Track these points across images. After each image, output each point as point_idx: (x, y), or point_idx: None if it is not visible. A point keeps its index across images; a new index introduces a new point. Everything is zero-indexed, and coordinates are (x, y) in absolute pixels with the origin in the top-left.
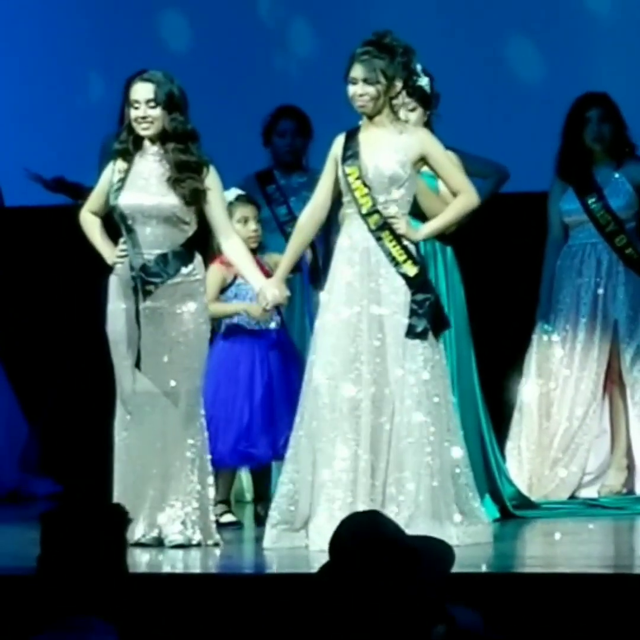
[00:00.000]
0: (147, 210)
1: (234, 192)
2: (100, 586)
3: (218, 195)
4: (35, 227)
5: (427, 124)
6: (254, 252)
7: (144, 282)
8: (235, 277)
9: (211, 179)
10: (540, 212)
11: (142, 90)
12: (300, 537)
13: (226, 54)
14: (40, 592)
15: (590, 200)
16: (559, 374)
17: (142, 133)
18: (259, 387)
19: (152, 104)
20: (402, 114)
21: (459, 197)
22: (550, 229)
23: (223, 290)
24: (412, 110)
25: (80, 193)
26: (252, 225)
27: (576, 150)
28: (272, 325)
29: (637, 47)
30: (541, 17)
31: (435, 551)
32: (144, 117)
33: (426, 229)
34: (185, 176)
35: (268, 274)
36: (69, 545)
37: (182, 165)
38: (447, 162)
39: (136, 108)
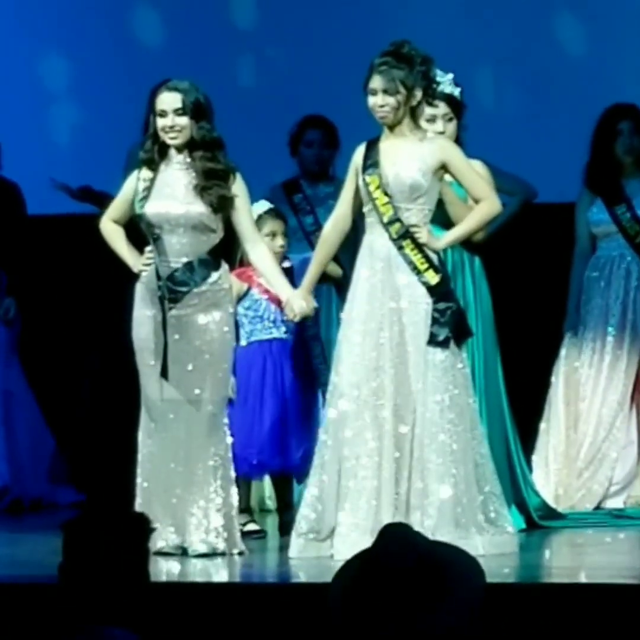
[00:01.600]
0: (174, 218)
1: (263, 205)
2: (123, 595)
3: (245, 202)
4: (60, 236)
5: (456, 135)
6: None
7: (170, 290)
8: (248, 290)
9: (238, 186)
10: (568, 223)
11: (169, 100)
12: (326, 546)
13: (252, 63)
14: (62, 601)
15: (620, 211)
16: (586, 385)
17: (170, 142)
18: (269, 396)
19: (180, 112)
20: (439, 123)
21: (480, 205)
22: (578, 240)
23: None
24: (450, 120)
25: (108, 202)
26: (280, 241)
27: (606, 162)
28: (286, 335)
29: None
30: (570, 29)
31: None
32: (171, 127)
33: (447, 238)
34: (212, 183)
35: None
36: (91, 555)
37: (209, 173)
38: (468, 170)
39: (164, 117)
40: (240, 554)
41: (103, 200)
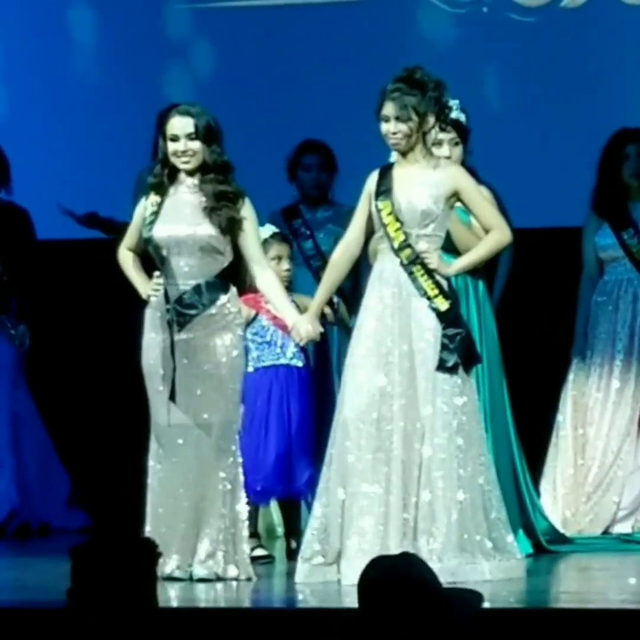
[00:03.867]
0: (182, 240)
1: (268, 230)
2: (130, 620)
3: (253, 225)
4: (69, 261)
5: (462, 159)
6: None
7: (179, 313)
8: (256, 315)
9: (246, 210)
10: (574, 247)
11: (181, 124)
12: (332, 571)
13: (250, 89)
14: (70, 625)
15: (626, 236)
16: (594, 409)
17: (183, 167)
18: (274, 422)
19: (192, 137)
20: (445, 148)
21: (491, 234)
22: (585, 265)
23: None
24: (456, 144)
25: (113, 228)
26: (285, 265)
27: (613, 186)
28: (298, 362)
29: None
30: (578, 54)
31: (465, 597)
32: (184, 151)
33: (458, 265)
34: (222, 205)
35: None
36: (99, 580)
37: (219, 195)
38: (479, 199)
39: (176, 142)
40: (248, 579)
41: (109, 226)
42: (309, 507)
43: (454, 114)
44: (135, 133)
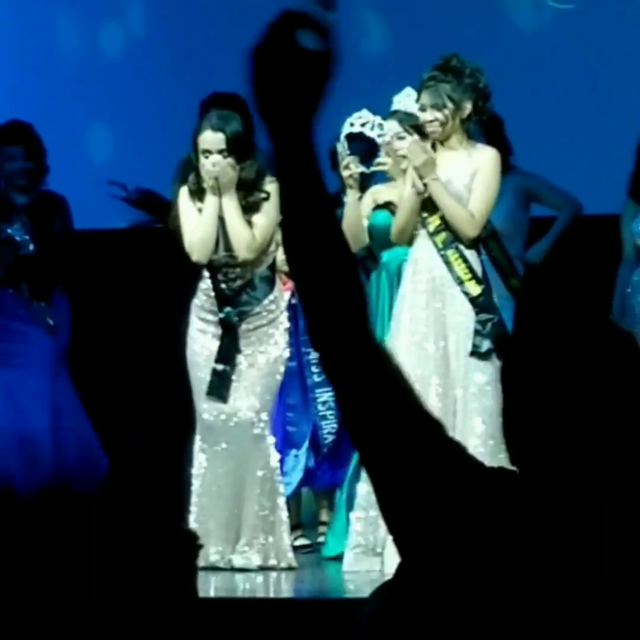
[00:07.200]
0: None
1: None
2: (170, 612)
3: (269, 205)
4: (111, 250)
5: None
6: None
7: (238, 314)
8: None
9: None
10: (613, 235)
11: (214, 140)
12: (377, 560)
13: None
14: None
15: None
16: None
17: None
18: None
19: (224, 155)
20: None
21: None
22: (624, 251)
23: None
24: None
25: (161, 208)
26: None
27: None
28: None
29: None
30: (619, 40)
31: None
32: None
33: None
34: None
35: None
36: (137, 571)
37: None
38: (482, 185)
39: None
40: (290, 568)
41: (159, 204)
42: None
43: None
44: (176, 120)
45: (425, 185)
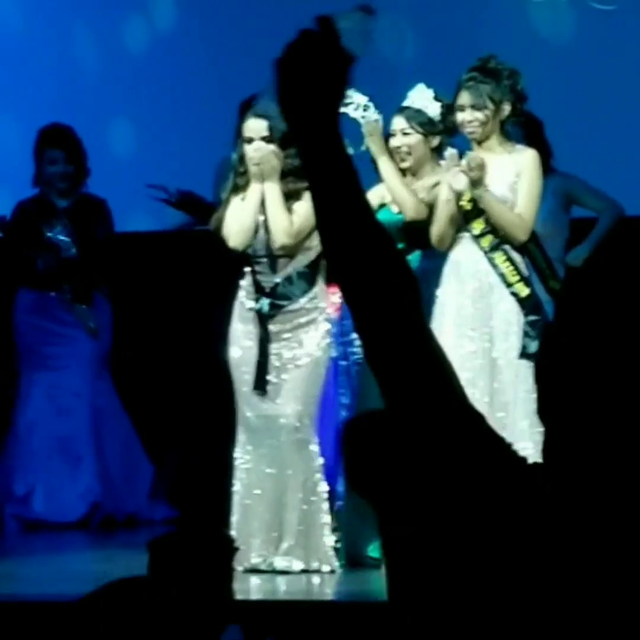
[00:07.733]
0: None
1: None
2: (205, 613)
3: (303, 202)
4: (153, 252)
5: (439, 150)
6: None
7: (271, 305)
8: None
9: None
10: None
11: (257, 127)
12: None
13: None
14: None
15: None
16: None
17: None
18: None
19: (267, 140)
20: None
21: (515, 216)
22: None
23: None
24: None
25: (204, 210)
26: None
27: None
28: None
29: None
30: None
31: None
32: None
33: (488, 197)
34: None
35: None
36: (176, 572)
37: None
38: (527, 189)
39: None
40: (331, 571)
41: (202, 206)
42: None
43: None
44: (200, 116)
45: (475, 195)
